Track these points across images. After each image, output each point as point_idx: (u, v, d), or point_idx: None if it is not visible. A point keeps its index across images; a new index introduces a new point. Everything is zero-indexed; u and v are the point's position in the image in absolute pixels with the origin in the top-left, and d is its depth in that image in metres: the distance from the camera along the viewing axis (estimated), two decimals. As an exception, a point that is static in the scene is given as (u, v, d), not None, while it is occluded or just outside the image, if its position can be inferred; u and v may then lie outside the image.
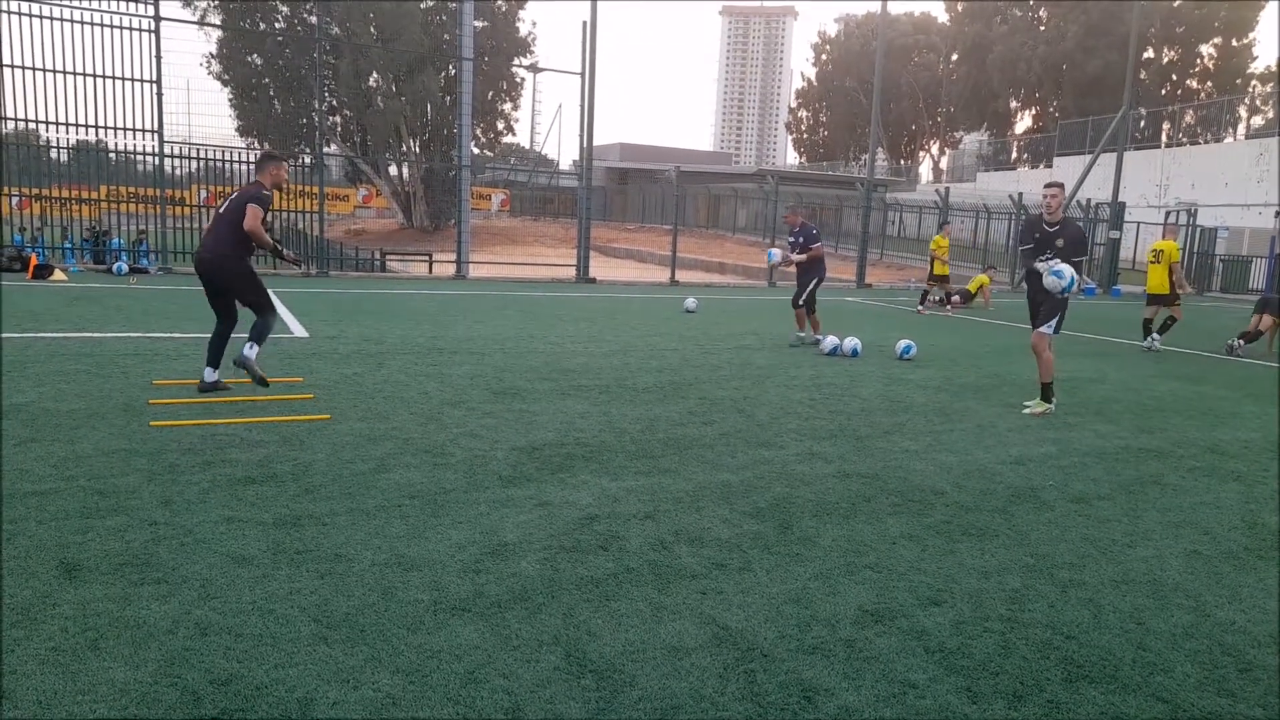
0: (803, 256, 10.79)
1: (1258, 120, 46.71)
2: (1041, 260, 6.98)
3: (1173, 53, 54.88)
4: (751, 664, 2.83)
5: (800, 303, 10.84)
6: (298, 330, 9.86)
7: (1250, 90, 51.42)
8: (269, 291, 6.61)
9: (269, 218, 6.43)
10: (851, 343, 10.09)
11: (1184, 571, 3.84)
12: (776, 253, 11.70)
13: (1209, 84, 54.32)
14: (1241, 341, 12.27)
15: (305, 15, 33.22)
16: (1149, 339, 12.25)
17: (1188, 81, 55.35)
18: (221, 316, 6.52)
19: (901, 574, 3.64)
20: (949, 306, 17.58)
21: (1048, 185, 7.31)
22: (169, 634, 2.82)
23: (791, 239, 11.04)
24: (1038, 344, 7.14)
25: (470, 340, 9.82)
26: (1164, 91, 53.71)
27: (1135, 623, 3.29)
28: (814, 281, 10.85)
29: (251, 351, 6.37)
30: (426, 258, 22.66)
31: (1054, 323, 7.08)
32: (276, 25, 33.72)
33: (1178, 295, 12.17)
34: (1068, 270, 6.81)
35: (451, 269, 20.60)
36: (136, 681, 2.53)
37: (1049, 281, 6.86)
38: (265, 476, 4.48)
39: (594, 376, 7.87)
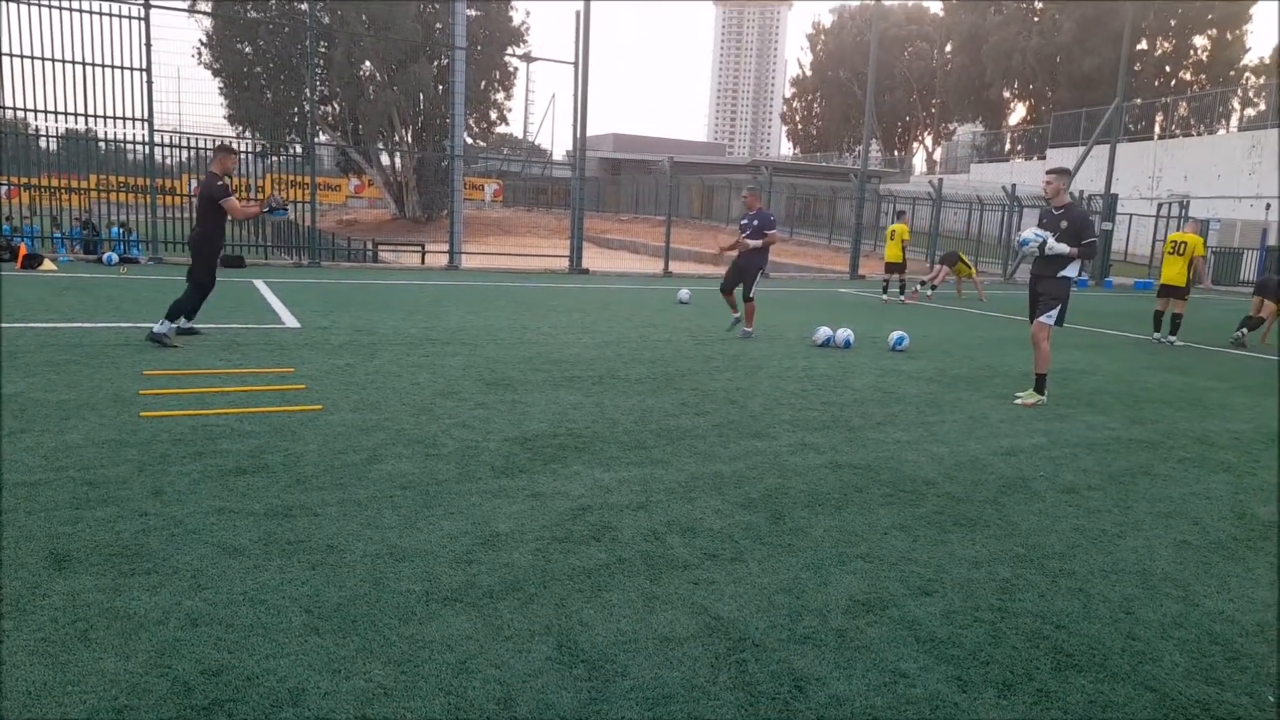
0: (759, 242, 10.45)
1: (1250, 112, 46.80)
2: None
3: (1167, 44, 54.93)
4: (743, 654, 2.84)
5: (751, 295, 10.49)
6: (289, 321, 9.83)
7: (1243, 83, 51.52)
8: (212, 281, 8.42)
9: (235, 194, 8.44)
10: (844, 334, 10.10)
11: (1173, 561, 3.86)
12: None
13: (1202, 76, 54.41)
14: (1245, 331, 12.36)
15: (296, 3, 33.02)
16: (1157, 334, 12.30)
17: (1181, 73, 55.43)
18: (211, 278, 8.39)
19: (893, 564, 3.65)
20: (904, 296, 17.43)
21: (1048, 171, 7.37)
22: (159, 624, 2.81)
23: (745, 221, 10.67)
24: (1038, 334, 7.16)
25: (463, 331, 9.80)
26: (1157, 83, 53.80)
27: (1125, 612, 3.31)
28: (761, 271, 10.66)
29: (163, 327, 7.91)
30: (419, 248, 22.63)
31: (1055, 313, 7.11)
32: (268, 13, 33.51)
33: (1190, 290, 12.21)
34: (1026, 234, 7.13)
35: (444, 260, 20.55)
36: (127, 672, 2.53)
37: (1020, 242, 7.18)
38: (256, 467, 4.47)
39: (587, 367, 7.87)
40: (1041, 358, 7.19)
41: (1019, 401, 7.17)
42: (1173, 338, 12.13)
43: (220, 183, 8.26)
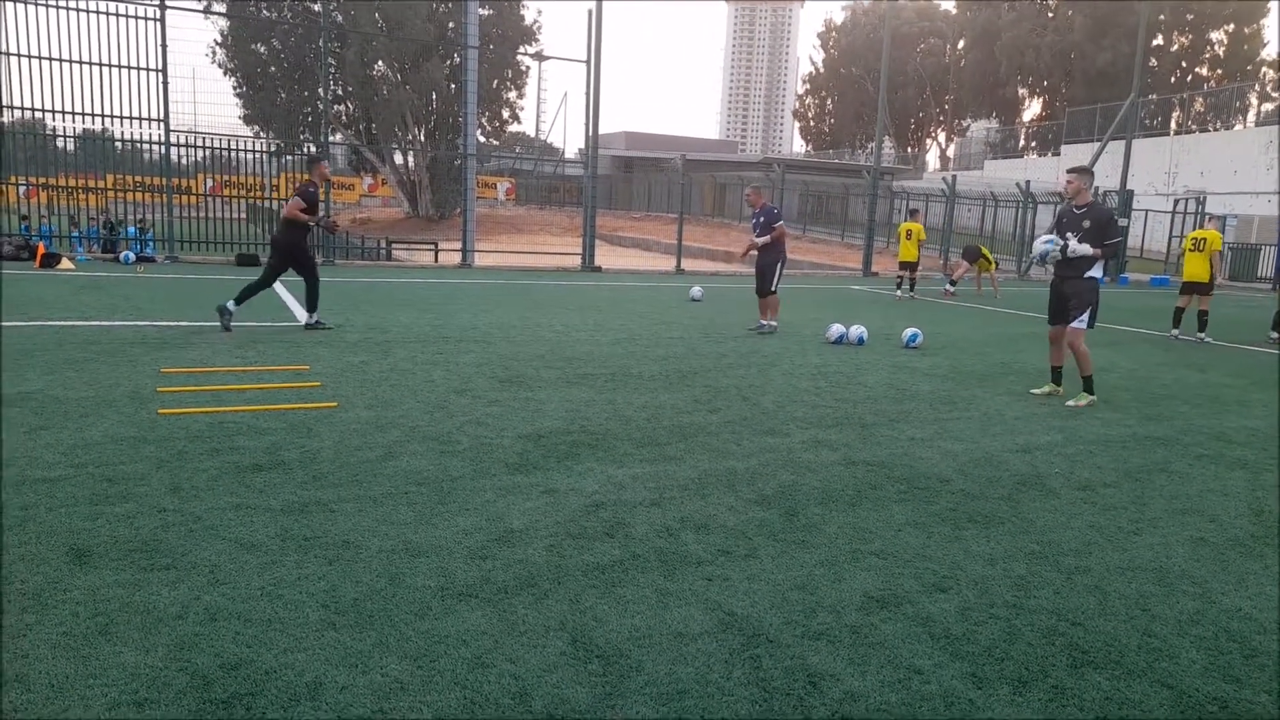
0: (768, 238, 10.59)
1: (1268, 107, 46.36)
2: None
3: (1183, 39, 54.47)
4: (757, 650, 2.84)
5: (773, 289, 10.65)
6: (303, 318, 9.88)
7: (1260, 77, 51.01)
8: (315, 263, 9.41)
9: (319, 204, 9.35)
10: (857, 331, 10.08)
11: (1190, 558, 3.84)
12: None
13: (1219, 71, 53.91)
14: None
15: (309, 3, 33.16)
16: (1175, 330, 12.23)
17: (1197, 69, 54.95)
18: (271, 279, 9.17)
19: (907, 561, 3.65)
20: (912, 293, 17.49)
21: (1069, 170, 7.29)
22: (178, 619, 2.84)
23: (754, 220, 10.79)
24: (1073, 339, 7.07)
25: (476, 329, 9.83)
26: (1173, 79, 53.35)
27: (1141, 609, 3.29)
28: (780, 264, 10.74)
29: (313, 318, 9.16)
30: (432, 247, 22.68)
31: (1086, 316, 7.03)
32: (285, 14, 33.66)
33: (1214, 285, 12.17)
34: (1039, 244, 7.23)
35: (457, 258, 20.61)
36: (147, 666, 2.56)
37: (1039, 255, 7.26)
38: (273, 463, 4.50)
39: (600, 364, 7.88)
40: (1083, 360, 7.10)
41: (1070, 404, 7.05)
42: (1202, 334, 12.06)
43: (310, 188, 9.15)
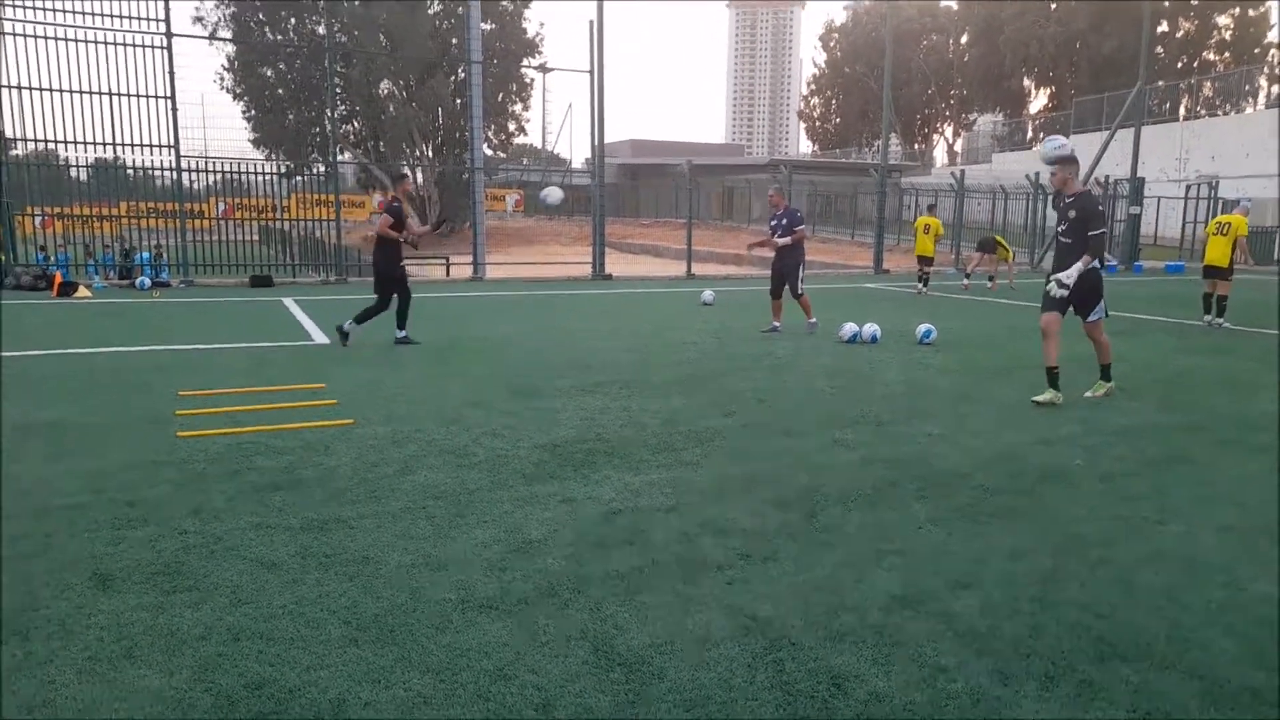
0: (788, 240, 10.68)
1: (1277, 89, 45.93)
2: (1060, 235, 6.91)
3: (1189, 24, 54.10)
4: (780, 653, 2.82)
5: (800, 291, 10.77)
6: (319, 337, 9.94)
7: (1269, 59, 50.57)
8: (392, 296, 9.24)
9: (405, 218, 9.31)
10: (870, 329, 10.03)
11: (1216, 546, 3.79)
12: (554, 192, 11.21)
13: (1226, 55, 53.49)
14: None
15: (313, 26, 33.46)
16: (1208, 317, 12.11)
17: (1205, 53, 54.54)
18: (384, 299, 9.24)
19: (929, 559, 3.62)
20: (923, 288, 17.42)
21: (1051, 162, 7.19)
22: (202, 640, 2.85)
23: (774, 222, 10.83)
24: (1092, 332, 7.00)
25: (489, 340, 9.85)
26: (1181, 64, 52.98)
27: (1168, 599, 3.25)
28: (801, 265, 10.84)
29: (350, 326, 9.10)
30: (444, 261, 22.76)
31: (1099, 307, 6.96)
32: (290, 36, 33.96)
33: (1233, 270, 12.06)
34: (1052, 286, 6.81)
35: (468, 271, 20.68)
36: (172, 688, 2.57)
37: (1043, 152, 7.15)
38: (291, 482, 4.52)
39: (613, 372, 7.88)
40: (1103, 350, 7.02)
41: (1088, 395, 6.95)
42: (1221, 320, 11.94)
43: (394, 204, 9.24)
